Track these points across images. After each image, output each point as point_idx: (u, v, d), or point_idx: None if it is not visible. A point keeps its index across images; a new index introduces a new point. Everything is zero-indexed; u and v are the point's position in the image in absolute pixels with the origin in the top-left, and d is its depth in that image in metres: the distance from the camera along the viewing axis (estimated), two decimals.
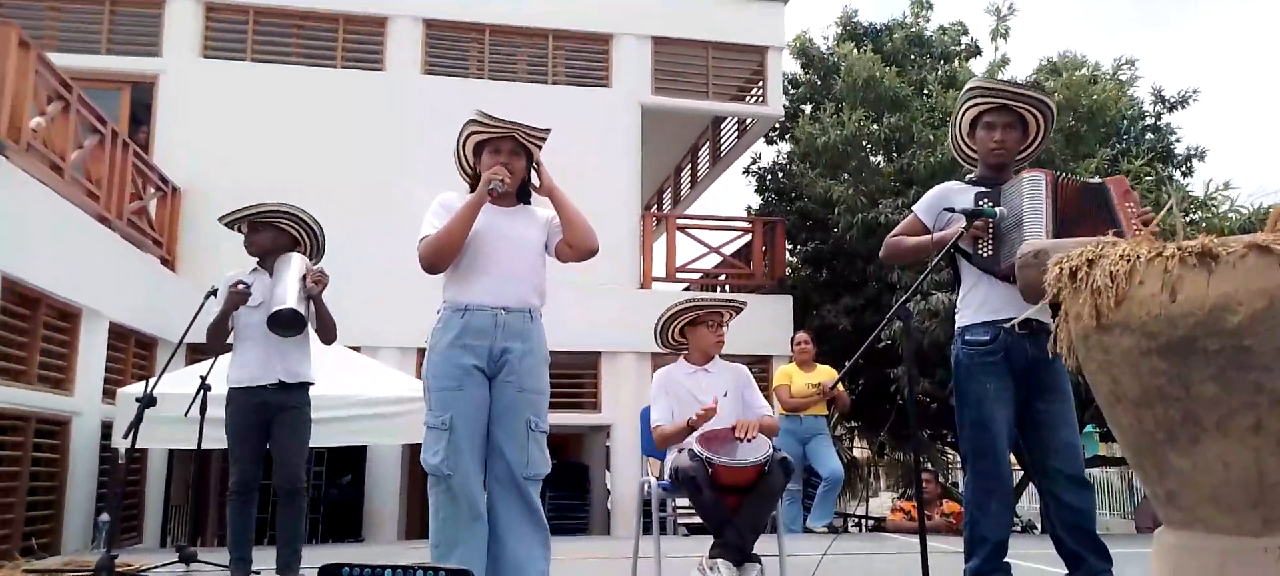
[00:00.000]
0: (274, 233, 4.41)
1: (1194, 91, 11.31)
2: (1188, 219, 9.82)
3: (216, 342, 4.43)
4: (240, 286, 4.25)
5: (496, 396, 3.20)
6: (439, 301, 3.32)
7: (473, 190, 3.38)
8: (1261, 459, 1.74)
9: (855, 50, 11.03)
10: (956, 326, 3.37)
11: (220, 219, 4.48)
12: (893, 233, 3.53)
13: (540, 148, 3.38)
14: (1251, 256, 1.71)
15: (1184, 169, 11.47)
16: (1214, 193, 10.18)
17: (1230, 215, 9.60)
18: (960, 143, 3.58)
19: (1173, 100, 11.40)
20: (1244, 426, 1.73)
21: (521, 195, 3.43)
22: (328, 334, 4.34)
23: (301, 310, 4.04)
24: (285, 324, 4.05)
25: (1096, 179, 3.33)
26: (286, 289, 4.07)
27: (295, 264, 4.20)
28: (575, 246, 3.31)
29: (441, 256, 3.21)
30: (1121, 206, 3.15)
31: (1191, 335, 1.74)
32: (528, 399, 3.21)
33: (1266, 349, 1.69)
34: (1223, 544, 1.79)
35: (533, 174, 3.36)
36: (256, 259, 4.43)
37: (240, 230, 4.48)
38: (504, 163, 3.27)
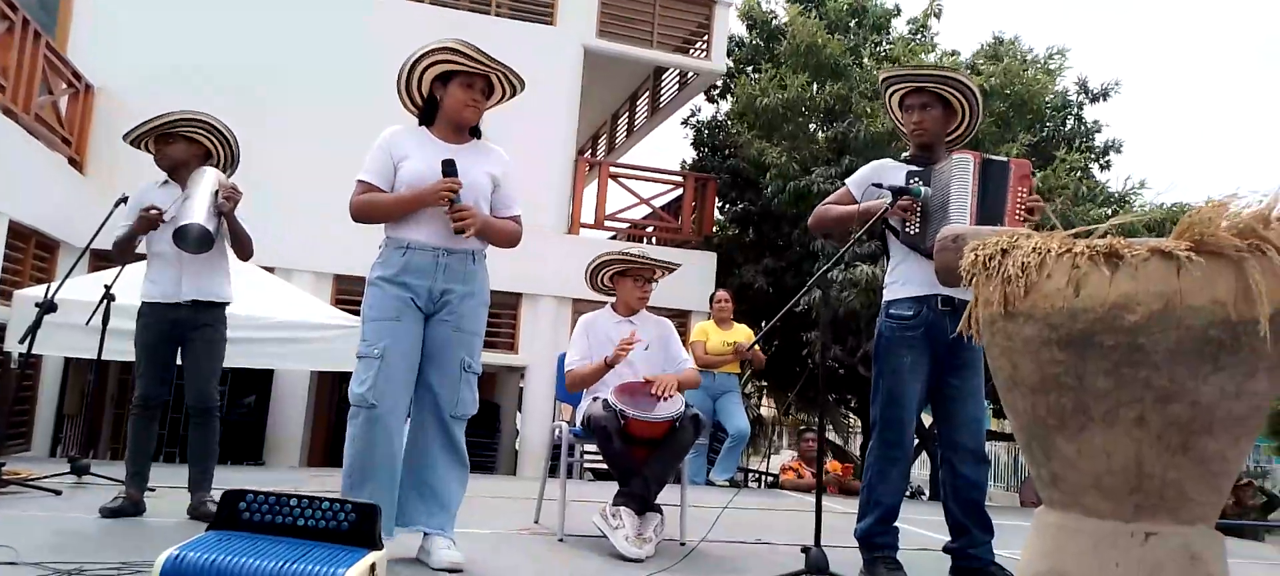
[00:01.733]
0: (186, 144, 4.21)
1: (1116, 83, 11.67)
2: (1106, 212, 10.22)
3: (123, 259, 4.29)
4: (154, 211, 4.05)
5: (432, 334, 3.19)
6: (362, 231, 3.27)
7: (420, 120, 3.32)
8: (1141, 450, 1.85)
9: (800, 15, 11.05)
10: (883, 299, 3.47)
11: (125, 136, 4.24)
12: (823, 202, 3.60)
13: (512, 94, 3.32)
14: (1154, 260, 1.79)
15: (1103, 161, 11.89)
16: (1129, 189, 10.63)
17: (1143, 211, 10.03)
18: (898, 123, 3.67)
19: (1095, 92, 11.75)
20: (1129, 419, 1.83)
21: (473, 131, 3.38)
22: (243, 250, 4.20)
23: (211, 227, 3.90)
24: (192, 240, 3.89)
25: (1003, 158, 3.45)
26: (195, 204, 3.91)
27: (208, 178, 4.01)
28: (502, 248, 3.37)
29: (370, 222, 3.20)
30: (1014, 189, 3.27)
31: (1090, 330, 1.82)
32: (464, 339, 3.21)
33: (1158, 349, 1.78)
34: (1098, 526, 1.90)
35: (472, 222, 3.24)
36: (167, 172, 4.25)
37: (147, 147, 4.28)
38: (474, 100, 3.22)
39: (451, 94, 3.22)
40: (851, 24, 11.96)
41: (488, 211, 3.28)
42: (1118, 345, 1.81)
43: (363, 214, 3.18)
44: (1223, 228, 1.79)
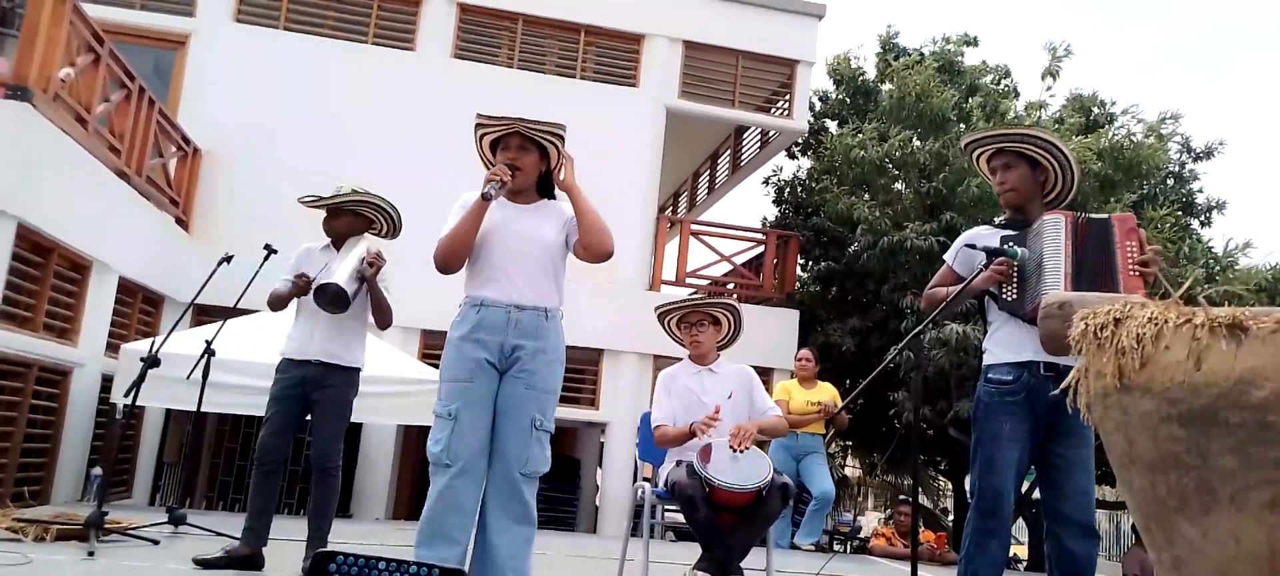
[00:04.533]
0: (351, 217, 4.45)
1: (1221, 143, 11.27)
2: (1205, 273, 9.76)
3: (276, 311, 4.48)
4: (303, 279, 4.27)
5: (505, 392, 3.21)
6: (447, 284, 3.33)
7: None
8: (1274, 536, 1.71)
9: (912, 64, 10.79)
10: (982, 364, 3.36)
11: (300, 199, 4.50)
12: (929, 285, 3.54)
13: (554, 142, 3.36)
14: None
15: (1203, 219, 11.42)
16: (1232, 250, 10.14)
17: (1247, 271, 9.55)
18: (993, 186, 3.59)
19: (1199, 151, 11.36)
20: (1260, 502, 1.70)
21: (543, 190, 3.42)
22: (382, 319, 4.36)
23: (348, 289, 4.05)
24: (327, 298, 4.07)
25: (1103, 215, 3.30)
26: (340, 267, 4.11)
27: (360, 247, 4.24)
28: (589, 248, 3.31)
29: (449, 260, 3.25)
30: (1122, 245, 3.11)
31: (1214, 406, 1.71)
32: (535, 397, 3.21)
33: None
34: None
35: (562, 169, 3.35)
36: (331, 240, 4.46)
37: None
38: (510, 159, 3.29)
39: (496, 160, 3.35)
40: (942, 82, 11.79)
41: (556, 269, 3.34)
42: (1244, 422, 1.69)
43: (440, 253, 3.24)
44: None
